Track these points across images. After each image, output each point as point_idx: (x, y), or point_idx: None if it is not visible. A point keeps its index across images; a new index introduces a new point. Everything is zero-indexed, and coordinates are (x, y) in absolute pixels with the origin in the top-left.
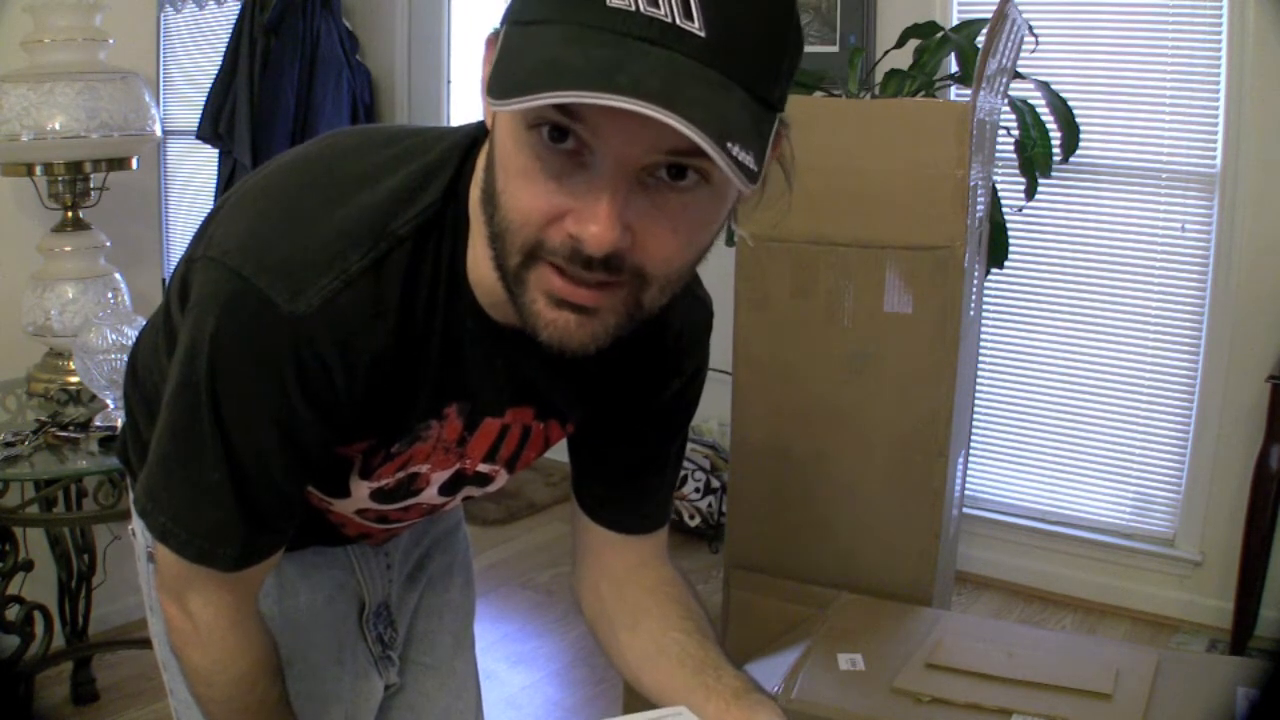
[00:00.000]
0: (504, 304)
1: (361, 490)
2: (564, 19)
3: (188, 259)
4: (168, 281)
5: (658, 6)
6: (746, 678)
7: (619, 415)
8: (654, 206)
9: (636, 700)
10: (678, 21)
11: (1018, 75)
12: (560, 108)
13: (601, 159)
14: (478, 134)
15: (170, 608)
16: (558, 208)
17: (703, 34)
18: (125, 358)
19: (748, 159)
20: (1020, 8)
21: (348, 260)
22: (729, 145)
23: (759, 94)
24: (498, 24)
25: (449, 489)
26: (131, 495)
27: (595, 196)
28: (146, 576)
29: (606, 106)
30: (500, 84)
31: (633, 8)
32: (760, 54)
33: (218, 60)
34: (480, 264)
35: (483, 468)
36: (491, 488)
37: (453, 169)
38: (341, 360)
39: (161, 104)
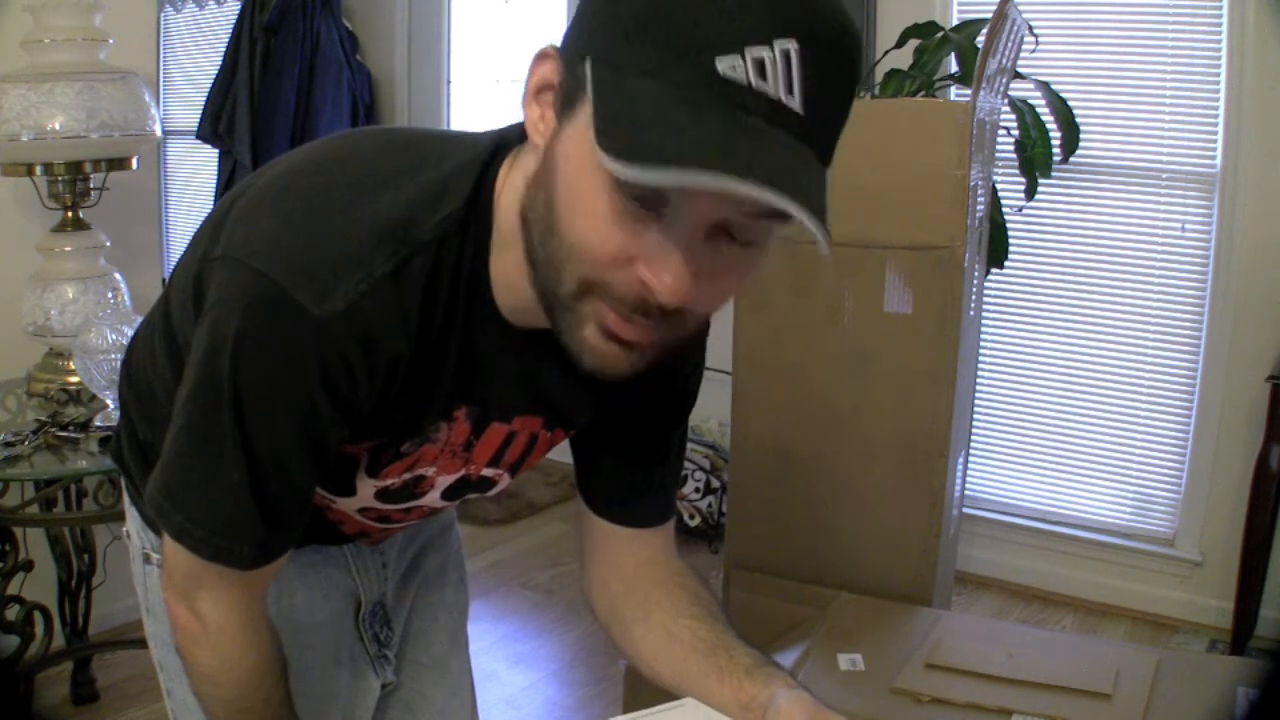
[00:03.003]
0: (527, 311)
1: (367, 489)
2: (670, 76)
3: (202, 258)
4: (169, 281)
5: (765, 80)
6: (758, 654)
7: (623, 414)
8: (714, 261)
9: (637, 699)
10: (782, 98)
11: (1018, 75)
12: None
13: (683, 215)
14: (500, 142)
15: (178, 608)
16: (628, 252)
17: (800, 112)
18: None
19: (830, 229)
20: (1020, 8)
21: (372, 264)
22: (826, 223)
23: (825, 160)
24: (559, 43)
25: (452, 493)
26: (127, 496)
27: (670, 249)
28: (142, 578)
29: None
30: (619, 144)
31: (744, 81)
32: (834, 125)
33: (218, 60)
34: (508, 272)
35: (487, 472)
36: (493, 491)
37: (474, 177)
38: (364, 361)
39: (161, 104)
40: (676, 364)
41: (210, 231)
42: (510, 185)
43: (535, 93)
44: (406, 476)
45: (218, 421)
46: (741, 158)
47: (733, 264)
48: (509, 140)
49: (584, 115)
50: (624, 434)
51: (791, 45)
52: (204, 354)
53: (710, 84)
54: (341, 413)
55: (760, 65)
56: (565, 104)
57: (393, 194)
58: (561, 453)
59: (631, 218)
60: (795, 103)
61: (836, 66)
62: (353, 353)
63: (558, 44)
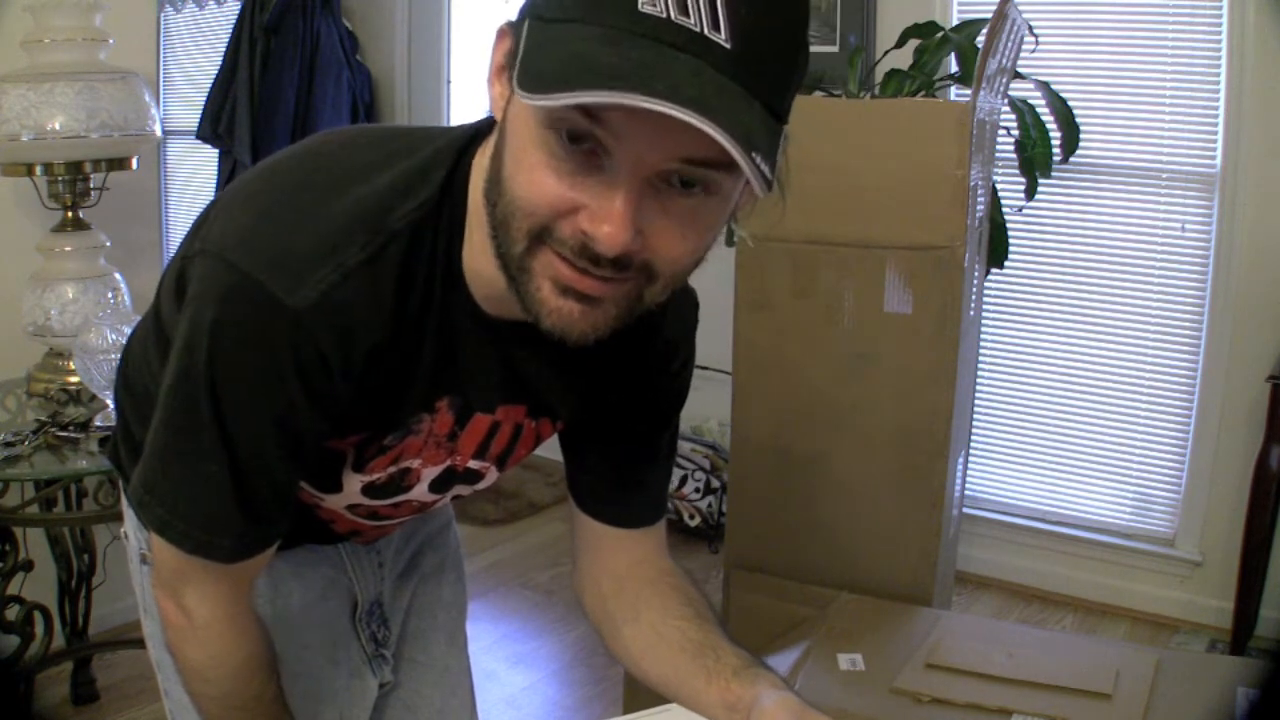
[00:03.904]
0: (500, 299)
1: (353, 484)
2: (593, 19)
3: (183, 255)
4: (159, 282)
5: (688, 15)
6: (747, 654)
7: (610, 409)
8: (663, 211)
9: (637, 699)
10: (706, 31)
11: (1018, 75)
12: (584, 111)
13: (618, 162)
14: (474, 133)
15: (166, 604)
16: (570, 202)
17: (728, 45)
18: None
19: (766, 169)
20: (1020, 8)
21: (345, 253)
22: (753, 155)
23: (772, 107)
24: (514, 17)
25: (439, 486)
26: (125, 497)
27: (609, 197)
28: (140, 579)
29: (636, 110)
30: (530, 78)
31: (664, 14)
32: (776, 69)
33: (218, 60)
34: (478, 258)
35: (473, 464)
36: (481, 485)
37: (448, 166)
38: (339, 351)
39: (161, 104)
40: (663, 357)
41: (193, 230)
42: (478, 171)
43: (497, 71)
44: (392, 470)
45: (196, 414)
46: (644, 77)
47: (686, 215)
48: (484, 131)
49: None
50: (613, 434)
51: None
52: (182, 347)
53: (632, 22)
54: (319, 403)
55: (681, 1)
56: (512, 69)
57: (367, 185)
58: (560, 452)
59: (571, 167)
60: (721, 37)
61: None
62: (327, 343)
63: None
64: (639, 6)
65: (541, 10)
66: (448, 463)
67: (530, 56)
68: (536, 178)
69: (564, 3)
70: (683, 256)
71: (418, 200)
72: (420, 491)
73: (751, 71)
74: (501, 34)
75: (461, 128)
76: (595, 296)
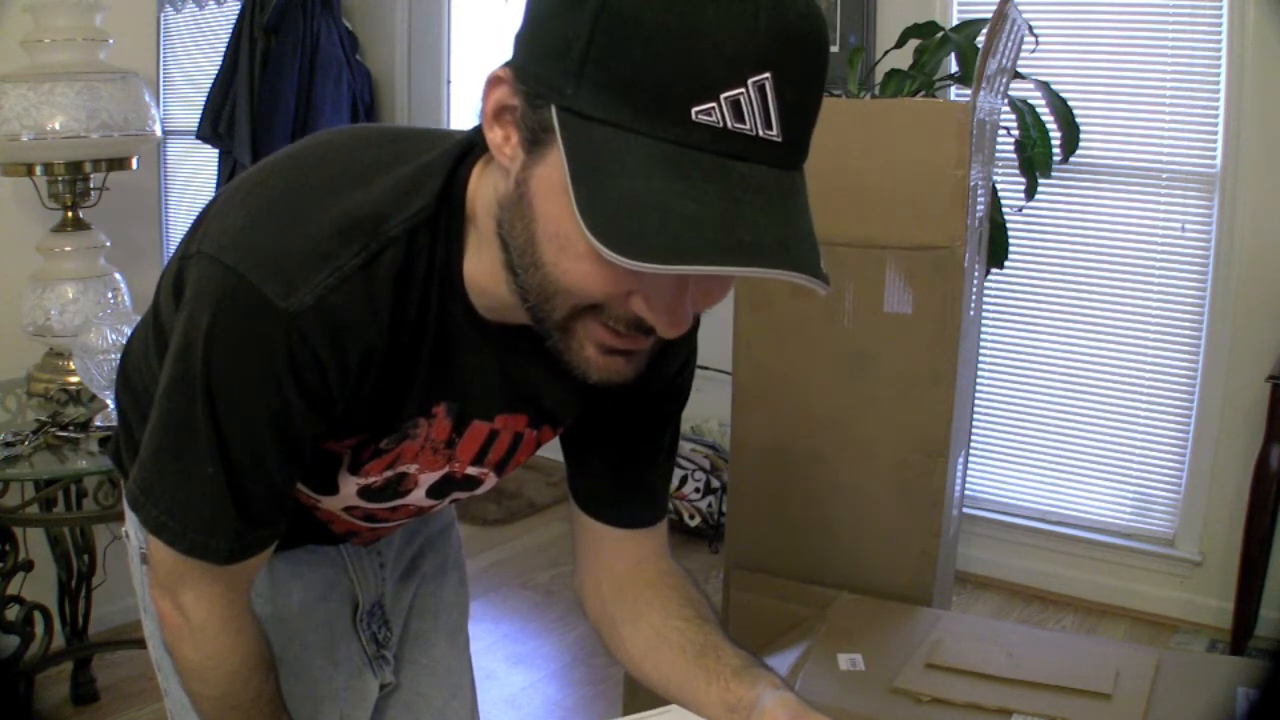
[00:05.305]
0: (500, 307)
1: (350, 487)
2: (645, 129)
3: (181, 256)
4: (158, 283)
5: (743, 121)
6: (747, 655)
7: (611, 412)
8: (704, 279)
9: (636, 699)
10: (760, 133)
11: (1018, 75)
12: None
13: None
14: (470, 143)
15: (163, 604)
16: (623, 288)
17: (779, 139)
18: None
19: (826, 276)
20: (1020, 8)
21: (341, 258)
22: (822, 268)
23: (804, 158)
24: (508, 64)
25: (437, 492)
26: (125, 496)
27: (664, 287)
28: (140, 578)
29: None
30: (610, 233)
31: (719, 123)
32: (809, 129)
33: (218, 60)
34: (483, 274)
35: (471, 470)
36: (480, 490)
37: (446, 173)
38: (334, 355)
39: (161, 104)
40: (665, 357)
41: (191, 229)
42: (483, 193)
43: (494, 115)
44: (388, 474)
45: (192, 416)
46: (738, 234)
47: (722, 278)
48: (479, 141)
49: (555, 159)
50: (614, 434)
51: (766, 79)
52: (178, 349)
53: (688, 136)
54: (314, 407)
55: (736, 106)
56: (532, 141)
57: (363, 190)
58: (560, 453)
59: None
60: (774, 133)
61: (809, 78)
62: (322, 347)
63: (508, 62)
64: (693, 116)
65: (575, 104)
66: (445, 469)
67: (591, 192)
68: (585, 269)
69: (605, 104)
70: (708, 307)
71: (413, 209)
72: (418, 496)
73: (796, 149)
74: (497, 81)
75: (457, 134)
76: (638, 350)
